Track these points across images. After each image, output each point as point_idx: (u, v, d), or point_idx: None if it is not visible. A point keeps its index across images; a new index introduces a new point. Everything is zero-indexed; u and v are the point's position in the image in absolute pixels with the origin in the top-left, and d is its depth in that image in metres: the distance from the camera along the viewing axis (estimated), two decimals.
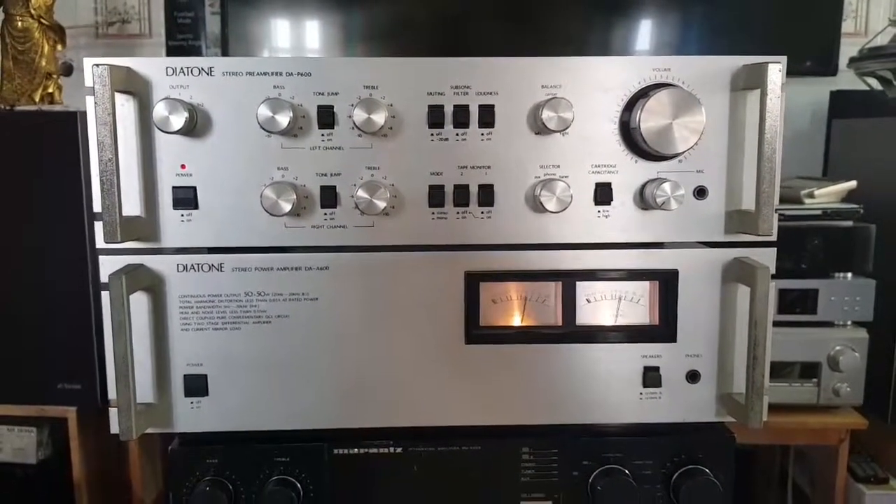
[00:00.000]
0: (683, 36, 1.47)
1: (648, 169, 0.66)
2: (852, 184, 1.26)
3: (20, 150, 1.18)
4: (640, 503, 0.69)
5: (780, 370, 1.25)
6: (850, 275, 1.22)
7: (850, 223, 1.22)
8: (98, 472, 1.35)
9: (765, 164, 0.62)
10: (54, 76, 1.35)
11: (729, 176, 0.66)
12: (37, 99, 1.32)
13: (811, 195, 1.25)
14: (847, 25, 1.56)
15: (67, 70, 1.38)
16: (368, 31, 1.48)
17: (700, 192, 0.66)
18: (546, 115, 0.62)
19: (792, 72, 1.50)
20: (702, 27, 1.49)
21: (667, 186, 0.64)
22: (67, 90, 1.37)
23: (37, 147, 1.18)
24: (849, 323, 1.22)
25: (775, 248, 0.67)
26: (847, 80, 1.50)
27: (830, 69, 1.49)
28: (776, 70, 0.61)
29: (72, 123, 1.18)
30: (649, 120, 0.62)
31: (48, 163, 1.18)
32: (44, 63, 1.33)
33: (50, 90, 1.34)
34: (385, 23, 1.48)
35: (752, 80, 0.63)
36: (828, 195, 1.26)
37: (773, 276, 0.66)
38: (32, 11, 1.32)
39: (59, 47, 1.37)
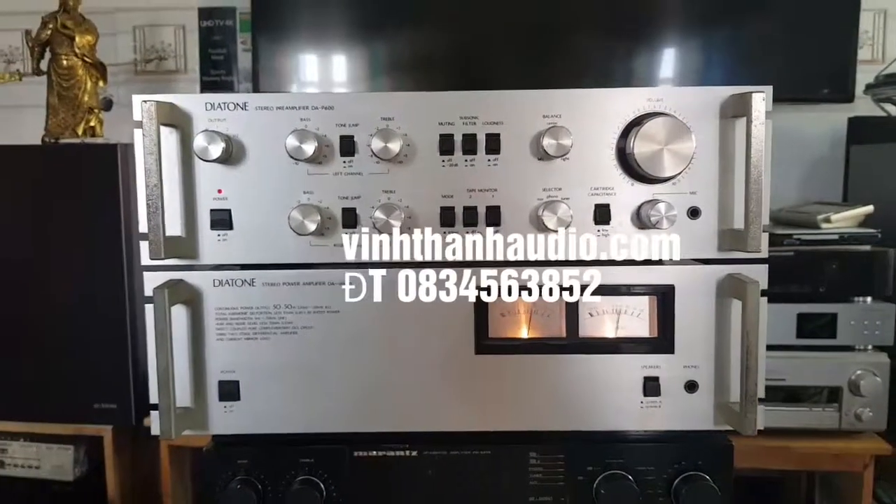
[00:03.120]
0: (704, 66, 1.51)
1: (644, 191, 0.71)
2: (869, 209, 1.28)
3: (64, 180, 1.26)
4: None
5: (801, 395, 1.26)
6: (869, 299, 1.23)
7: (868, 247, 1.23)
8: (132, 489, 1.41)
9: (752, 185, 0.67)
10: (96, 111, 1.43)
11: (721, 197, 0.71)
12: (80, 132, 1.41)
13: (828, 220, 1.26)
14: (863, 53, 1.59)
15: (108, 105, 1.47)
16: (391, 65, 1.55)
17: (693, 213, 0.71)
18: (547, 142, 0.68)
19: (809, 99, 1.55)
20: (722, 57, 1.52)
21: (661, 207, 0.69)
22: (107, 124, 1.45)
23: (79, 177, 1.26)
24: (869, 347, 1.23)
25: (766, 265, 0.71)
26: (864, 106, 1.53)
27: (847, 96, 1.51)
28: (760, 99, 0.66)
29: (112, 155, 1.26)
30: (642, 146, 0.67)
31: (89, 192, 1.25)
32: (86, 98, 1.42)
33: (92, 124, 1.42)
34: (407, 57, 1.54)
35: (739, 108, 0.68)
36: (844, 220, 1.28)
37: (765, 292, 0.70)
38: (77, 50, 1.41)
39: (101, 84, 1.46)
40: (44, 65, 1.44)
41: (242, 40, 1.68)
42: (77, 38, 1.41)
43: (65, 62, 1.42)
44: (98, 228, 1.25)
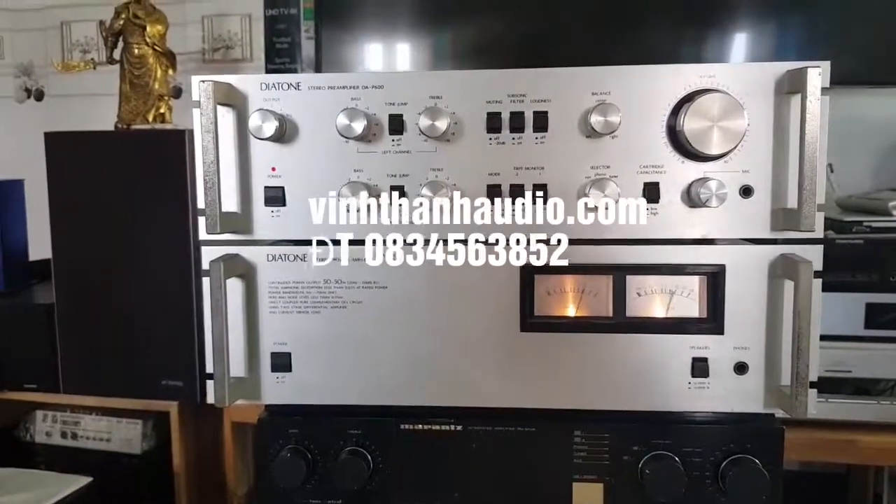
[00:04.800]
0: (774, 50, 1.45)
1: (695, 169, 0.70)
2: None
3: (136, 165, 1.31)
4: (689, 488, 0.72)
5: (870, 388, 1.22)
6: None
7: None
8: (196, 464, 1.45)
9: (806, 163, 0.65)
10: (166, 98, 1.48)
11: (774, 175, 0.69)
12: (150, 119, 1.46)
13: None
14: None
15: (177, 93, 1.52)
16: (456, 54, 1.53)
17: (746, 191, 0.70)
18: (595, 119, 0.67)
19: (886, 82, 1.47)
20: (794, 41, 1.46)
21: (711, 184, 0.68)
22: (176, 111, 1.50)
23: (150, 162, 1.30)
24: None
25: (821, 245, 0.69)
26: None
27: None
28: (816, 74, 0.64)
29: (181, 140, 1.29)
30: (693, 122, 0.67)
31: (159, 175, 1.29)
32: (157, 86, 1.47)
33: (162, 111, 1.47)
34: (472, 46, 1.52)
35: (795, 84, 0.66)
36: None
37: (818, 273, 0.68)
38: (148, 40, 1.46)
39: (171, 72, 1.50)
40: (117, 54, 1.49)
41: (306, 28, 1.70)
42: (148, 28, 1.46)
43: (136, 51, 1.47)
44: (167, 210, 1.29)
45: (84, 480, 1.30)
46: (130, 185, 1.30)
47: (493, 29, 1.50)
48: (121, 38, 1.47)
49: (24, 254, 1.58)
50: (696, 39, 1.41)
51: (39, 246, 1.47)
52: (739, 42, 1.44)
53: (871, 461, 1.29)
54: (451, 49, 1.53)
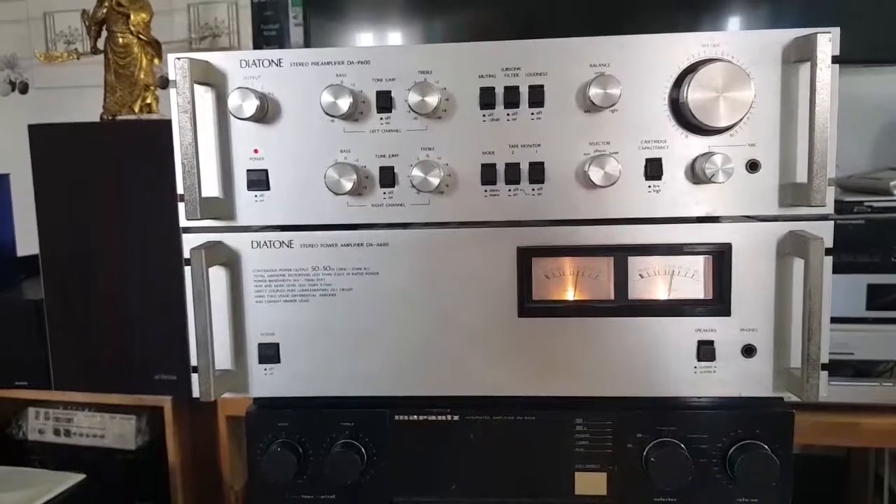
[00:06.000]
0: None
1: (699, 143, 0.66)
2: None
3: (121, 156, 1.28)
4: (695, 476, 0.69)
5: (870, 370, 1.20)
6: None
7: None
8: (191, 458, 1.43)
9: (816, 134, 0.62)
10: (152, 88, 1.45)
11: (782, 149, 0.66)
12: (136, 109, 1.42)
13: None
14: None
15: (164, 83, 1.48)
16: (448, 40, 1.51)
17: (752, 166, 0.66)
18: (594, 91, 0.64)
19: (887, 60, 1.44)
20: (794, 21, 1.44)
21: (717, 159, 0.64)
22: (163, 101, 1.47)
23: (137, 153, 1.28)
24: None
25: (832, 222, 0.66)
26: None
27: None
28: (826, 40, 0.61)
29: (167, 131, 1.27)
30: (697, 93, 0.63)
31: (147, 168, 1.27)
32: (142, 76, 1.43)
33: (148, 101, 1.44)
34: (465, 34, 1.50)
35: (803, 52, 0.63)
36: None
37: (829, 251, 0.65)
38: (132, 28, 1.42)
39: (157, 61, 1.47)
40: (101, 44, 1.46)
41: (294, 15, 1.67)
42: (132, 16, 1.43)
43: (121, 40, 1.43)
44: (155, 201, 1.26)
45: (78, 477, 1.28)
46: (118, 177, 1.27)
47: (485, 17, 1.48)
48: (104, 28, 1.44)
49: (12, 249, 1.56)
50: (690, 25, 1.39)
51: (27, 241, 1.44)
52: (734, 26, 1.42)
53: (873, 443, 1.29)
54: (442, 38, 1.51)
